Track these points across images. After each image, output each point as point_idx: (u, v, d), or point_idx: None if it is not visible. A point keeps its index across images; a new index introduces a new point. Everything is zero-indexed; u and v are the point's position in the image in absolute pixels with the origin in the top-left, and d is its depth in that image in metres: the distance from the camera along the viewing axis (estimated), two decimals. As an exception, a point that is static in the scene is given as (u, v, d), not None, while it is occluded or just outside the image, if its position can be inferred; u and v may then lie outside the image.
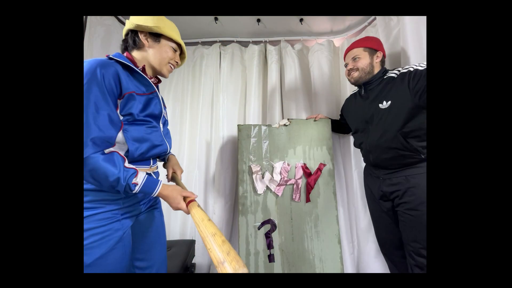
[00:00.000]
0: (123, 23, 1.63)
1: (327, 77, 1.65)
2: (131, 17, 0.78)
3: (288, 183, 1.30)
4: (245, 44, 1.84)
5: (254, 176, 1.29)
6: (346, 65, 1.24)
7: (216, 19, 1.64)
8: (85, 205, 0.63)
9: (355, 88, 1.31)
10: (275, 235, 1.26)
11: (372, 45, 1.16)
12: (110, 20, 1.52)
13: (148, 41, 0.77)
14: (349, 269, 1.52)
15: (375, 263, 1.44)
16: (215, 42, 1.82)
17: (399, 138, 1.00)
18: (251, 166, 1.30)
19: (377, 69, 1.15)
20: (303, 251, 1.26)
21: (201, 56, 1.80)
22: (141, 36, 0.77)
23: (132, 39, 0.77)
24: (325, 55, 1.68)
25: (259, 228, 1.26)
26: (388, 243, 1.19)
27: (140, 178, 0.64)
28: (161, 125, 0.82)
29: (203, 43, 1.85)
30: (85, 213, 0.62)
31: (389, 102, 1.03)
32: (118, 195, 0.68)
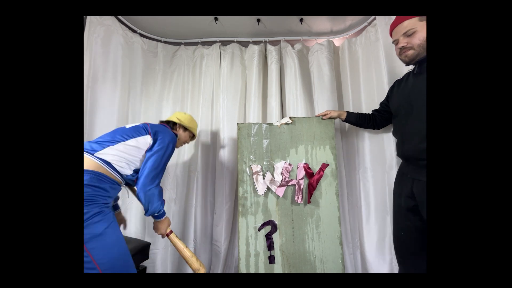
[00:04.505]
0: (123, 23, 1.63)
1: (327, 77, 1.64)
2: (178, 115, 1.29)
3: (289, 184, 1.29)
4: (245, 44, 1.83)
5: (254, 176, 1.27)
6: (395, 43, 1.00)
7: (216, 19, 1.63)
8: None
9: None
10: (275, 236, 1.25)
11: None
12: (110, 20, 1.51)
13: (179, 130, 1.29)
14: (350, 270, 1.51)
15: (376, 265, 1.43)
16: (215, 42, 1.82)
17: None
18: (252, 166, 1.29)
19: None
20: (304, 252, 1.25)
21: (201, 56, 1.80)
22: (176, 126, 1.28)
23: (171, 125, 1.27)
24: (325, 55, 1.67)
25: (259, 230, 1.25)
26: (411, 251, 1.01)
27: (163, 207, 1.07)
28: None
29: (203, 43, 1.85)
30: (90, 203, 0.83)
31: None
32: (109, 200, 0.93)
